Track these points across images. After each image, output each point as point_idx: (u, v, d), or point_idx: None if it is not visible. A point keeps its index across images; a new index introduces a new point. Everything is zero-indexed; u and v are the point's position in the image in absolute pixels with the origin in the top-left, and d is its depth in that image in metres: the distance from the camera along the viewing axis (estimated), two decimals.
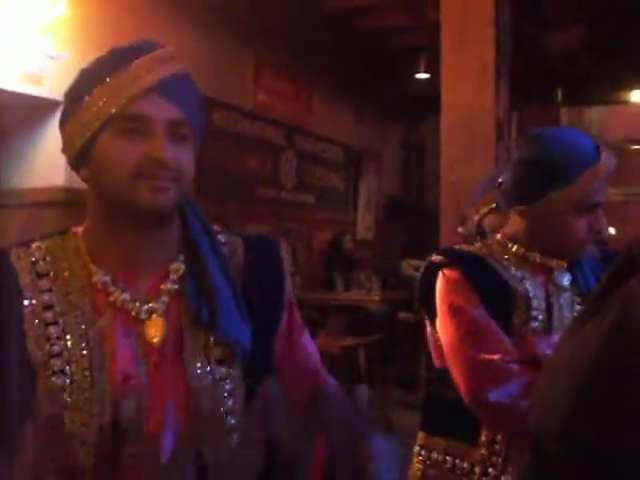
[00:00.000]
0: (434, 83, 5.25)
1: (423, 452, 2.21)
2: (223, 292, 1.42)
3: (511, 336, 1.99)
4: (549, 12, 7.43)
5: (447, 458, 2.15)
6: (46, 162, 5.45)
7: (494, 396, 1.92)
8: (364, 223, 11.20)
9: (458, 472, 2.12)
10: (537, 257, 2.08)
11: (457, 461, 2.12)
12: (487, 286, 2.03)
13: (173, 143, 1.35)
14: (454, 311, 2.03)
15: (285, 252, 1.74)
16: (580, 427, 0.98)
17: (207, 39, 7.14)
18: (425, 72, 9.22)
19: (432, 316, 2.12)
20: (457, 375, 2.00)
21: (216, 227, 1.56)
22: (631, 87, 10.39)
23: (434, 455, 2.18)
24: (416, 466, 2.23)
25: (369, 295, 8.71)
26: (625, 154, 10.96)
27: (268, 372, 1.47)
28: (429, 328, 2.21)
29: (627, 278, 1.00)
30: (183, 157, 1.37)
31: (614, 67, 8.65)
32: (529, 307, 2.03)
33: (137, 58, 1.35)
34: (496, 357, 1.93)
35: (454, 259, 2.09)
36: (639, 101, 10.57)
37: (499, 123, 4.66)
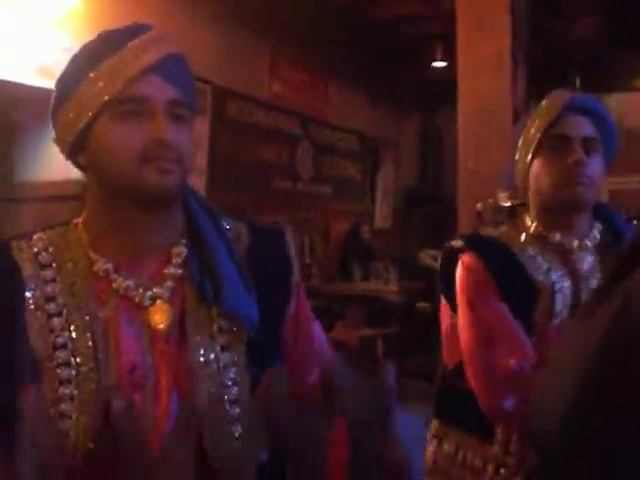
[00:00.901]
0: (451, 71, 5.22)
1: (435, 441, 2.16)
2: (228, 270, 1.40)
3: (532, 333, 1.90)
4: None
5: (459, 451, 2.09)
6: (60, 155, 5.44)
7: (509, 404, 1.85)
8: (382, 213, 11.17)
9: (469, 469, 2.05)
10: (557, 236, 1.99)
11: (469, 456, 2.06)
12: (508, 278, 1.94)
13: (173, 124, 1.33)
14: (472, 306, 1.95)
15: (291, 238, 1.75)
16: (588, 412, 0.97)
17: (222, 30, 7.12)
18: (442, 60, 9.18)
19: (454, 304, 2.03)
20: (471, 377, 1.94)
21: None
22: None
23: (446, 446, 2.13)
24: (429, 455, 2.18)
25: (387, 285, 8.69)
26: None
27: (274, 359, 1.46)
28: (448, 317, 2.15)
29: (633, 268, 0.98)
30: (183, 138, 1.35)
31: (632, 53, 8.58)
32: (553, 303, 1.92)
33: (130, 40, 1.33)
34: (512, 363, 1.85)
35: (475, 245, 2.01)
36: None
37: (516, 111, 4.62)
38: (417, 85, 10.82)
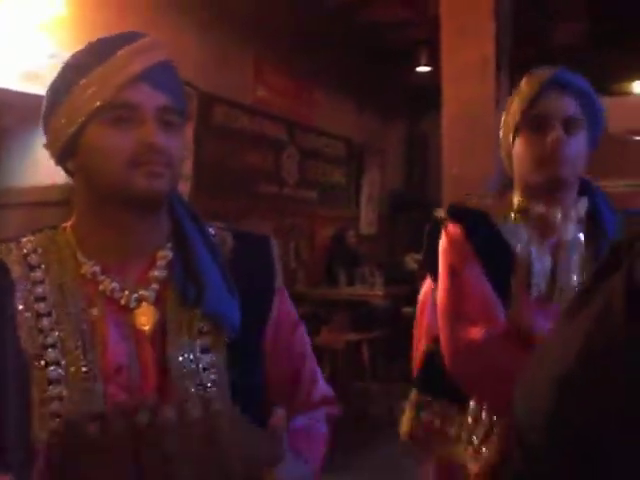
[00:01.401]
0: (436, 77, 5.24)
1: (413, 410, 2.20)
2: (211, 273, 1.43)
3: (508, 302, 1.93)
4: (550, 4, 7.42)
5: (436, 420, 2.13)
6: (47, 160, 5.32)
7: (475, 372, 1.92)
8: (367, 218, 11.19)
9: (445, 437, 2.10)
10: (540, 207, 1.98)
11: (445, 425, 2.10)
12: (487, 245, 1.97)
13: (163, 130, 1.36)
14: (452, 272, 1.99)
15: (275, 245, 1.77)
16: (570, 412, 0.98)
17: (207, 35, 7.13)
18: (426, 65, 9.21)
19: (437, 274, 2.07)
20: (442, 342, 1.99)
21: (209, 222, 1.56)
22: (633, 78, 10.36)
23: (423, 415, 2.17)
24: (405, 422, 2.22)
25: (372, 290, 8.70)
26: (626, 145, 10.94)
27: (254, 363, 1.49)
28: (428, 293, 2.18)
29: (614, 270, 1.00)
30: (173, 143, 1.38)
31: (615, 58, 8.64)
32: (530, 272, 1.93)
33: (121, 48, 1.36)
34: (479, 333, 1.89)
35: (457, 215, 2.04)
36: None
37: (500, 115, 4.64)
38: (402, 90, 10.86)
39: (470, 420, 2.00)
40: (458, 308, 1.96)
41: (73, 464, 1.18)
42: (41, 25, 5.18)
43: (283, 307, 1.58)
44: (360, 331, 7.57)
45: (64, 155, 1.41)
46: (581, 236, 1.97)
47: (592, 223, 2.01)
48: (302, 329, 1.64)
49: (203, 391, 1.38)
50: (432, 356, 2.16)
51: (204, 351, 1.40)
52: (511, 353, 1.82)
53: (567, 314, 1.09)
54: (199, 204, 1.54)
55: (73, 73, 1.37)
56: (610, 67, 9.13)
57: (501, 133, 2.07)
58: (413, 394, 2.22)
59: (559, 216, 1.97)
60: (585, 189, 2.06)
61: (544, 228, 1.99)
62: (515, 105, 2.00)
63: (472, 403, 1.99)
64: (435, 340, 2.12)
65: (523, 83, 2.00)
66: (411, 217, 11.33)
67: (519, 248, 1.96)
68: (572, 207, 2.00)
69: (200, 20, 6.95)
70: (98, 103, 1.33)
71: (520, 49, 5.84)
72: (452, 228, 2.01)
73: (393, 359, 7.71)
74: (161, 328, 1.40)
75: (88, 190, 1.41)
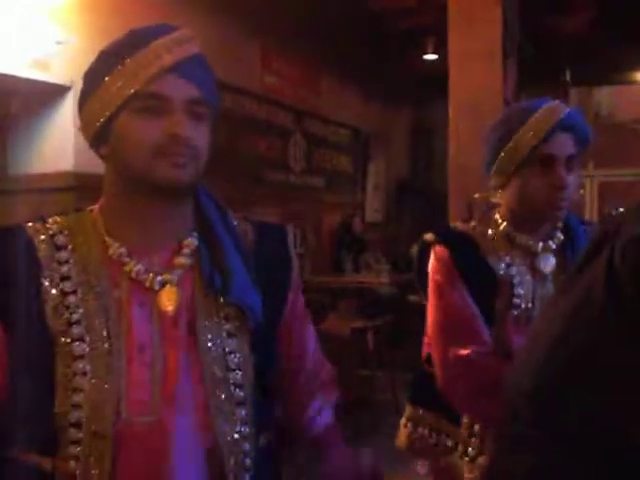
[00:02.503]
0: (442, 64, 5.23)
1: (409, 425, 2.30)
2: (236, 262, 1.47)
3: (492, 322, 2.03)
4: None
5: (432, 434, 2.23)
6: (54, 147, 5.45)
7: (464, 388, 2.02)
8: (373, 205, 11.20)
9: (442, 449, 2.20)
10: (523, 239, 2.11)
11: (442, 437, 2.20)
12: (471, 268, 2.08)
13: (191, 121, 1.39)
14: (439, 293, 2.09)
15: (291, 238, 1.83)
16: (553, 388, 1.04)
17: (214, 22, 7.12)
18: (433, 53, 9.20)
19: (426, 292, 2.16)
20: (434, 359, 2.10)
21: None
22: None
23: (420, 429, 2.27)
24: (402, 439, 2.33)
25: (378, 277, 8.71)
26: (635, 134, 10.92)
27: (273, 350, 1.55)
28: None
29: (594, 259, 1.05)
30: (200, 135, 1.42)
31: (623, 47, 8.61)
32: (512, 293, 2.06)
33: (154, 40, 1.39)
34: (466, 351, 2.00)
35: (444, 238, 2.14)
36: None
37: (507, 105, 4.65)
38: (409, 78, 10.84)
39: (464, 432, 2.13)
40: (446, 326, 2.08)
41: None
42: (48, 12, 5.18)
43: (297, 297, 1.63)
44: (366, 318, 7.58)
45: (97, 141, 1.44)
46: (551, 267, 2.12)
47: (568, 246, 2.15)
48: (309, 316, 1.70)
49: (229, 374, 1.43)
50: (425, 371, 2.25)
51: (230, 335, 1.45)
52: (496, 369, 1.91)
53: (557, 295, 1.13)
54: (213, 192, 1.56)
55: (108, 61, 1.40)
56: (618, 56, 9.11)
57: (500, 161, 2.10)
58: (408, 408, 2.34)
59: (540, 246, 2.11)
60: None
61: (525, 256, 2.12)
62: (525, 140, 2.04)
63: (465, 417, 2.13)
64: (427, 357, 2.21)
65: (534, 120, 2.04)
66: (417, 204, 11.34)
67: (502, 271, 2.08)
68: (551, 237, 2.13)
69: (208, 7, 6.94)
70: (130, 92, 1.36)
71: (527, 38, 5.83)
72: (439, 250, 2.11)
73: (398, 346, 7.72)
74: (185, 311, 1.44)
75: (116, 176, 1.45)
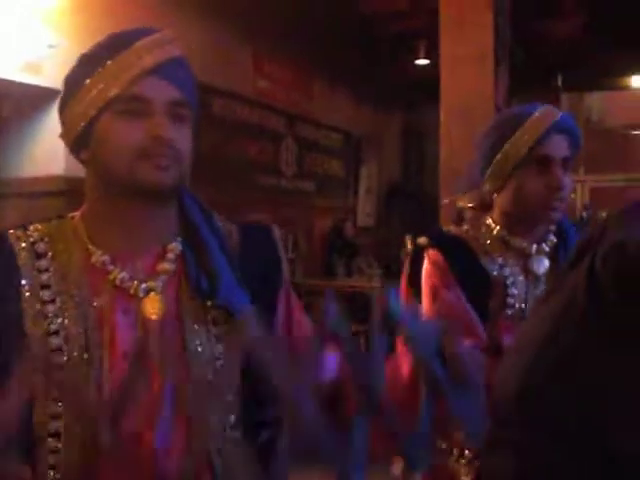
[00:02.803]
0: (434, 69, 5.24)
1: None
2: (222, 265, 1.45)
3: (486, 321, 2.05)
4: None
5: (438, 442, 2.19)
6: (45, 151, 5.44)
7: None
8: (364, 210, 11.20)
9: (438, 452, 2.17)
10: (517, 241, 2.12)
11: (437, 441, 2.16)
12: (465, 270, 2.09)
13: (173, 123, 1.38)
14: (434, 293, 2.10)
15: (278, 236, 1.81)
16: (537, 389, 1.05)
17: (206, 26, 7.12)
18: (425, 58, 9.21)
19: (420, 296, 2.16)
20: None
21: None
22: (632, 72, 10.36)
23: None
24: None
25: (370, 282, 8.71)
26: (625, 139, 10.95)
27: None
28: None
29: (581, 260, 1.06)
30: (182, 137, 1.40)
31: (614, 52, 8.63)
32: (506, 294, 2.08)
33: (135, 42, 1.38)
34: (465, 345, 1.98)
35: (437, 242, 2.15)
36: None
37: (498, 109, 4.66)
38: (401, 82, 10.85)
39: (461, 435, 2.09)
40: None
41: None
42: (40, 15, 5.17)
43: (290, 299, 1.61)
44: (357, 322, 7.58)
45: (77, 146, 1.43)
46: (544, 268, 2.13)
47: (559, 248, 2.16)
48: (306, 317, 1.66)
49: (218, 378, 1.41)
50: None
51: (218, 340, 1.43)
52: (492, 367, 1.91)
53: (543, 298, 1.15)
54: (196, 195, 1.55)
55: (88, 65, 1.39)
56: (609, 62, 9.14)
57: (494, 165, 2.12)
58: None
59: (534, 248, 2.12)
60: None
61: (519, 257, 2.14)
62: (521, 142, 2.06)
63: None
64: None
65: (530, 122, 2.07)
66: (408, 208, 11.35)
67: (496, 272, 2.10)
68: (545, 239, 2.15)
69: (200, 11, 6.94)
70: (111, 95, 1.35)
71: (519, 44, 5.85)
72: (433, 254, 2.12)
73: (390, 350, 7.71)
74: (170, 317, 1.42)
75: (98, 181, 1.43)
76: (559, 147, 2.06)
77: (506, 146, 2.07)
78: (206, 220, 1.52)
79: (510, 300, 2.08)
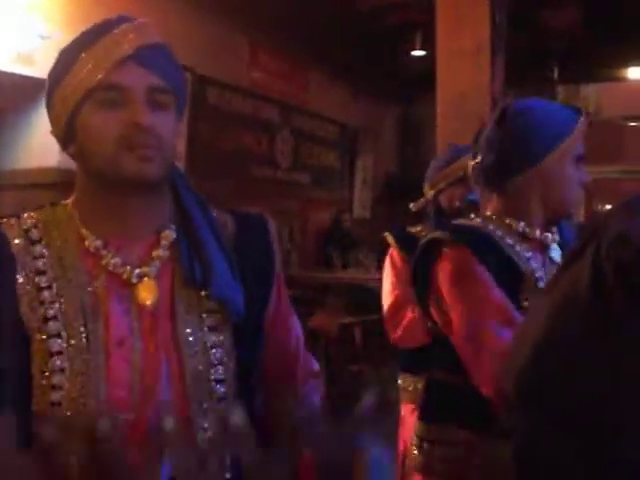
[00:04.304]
0: (430, 60, 5.23)
1: (424, 444, 2.15)
2: (216, 256, 1.44)
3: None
4: None
5: (451, 450, 2.07)
6: (38, 143, 5.42)
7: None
8: (360, 202, 11.19)
9: (468, 464, 2.03)
10: (537, 232, 2.03)
11: (460, 452, 2.04)
12: (498, 266, 1.94)
13: (153, 110, 1.36)
14: (467, 293, 1.93)
15: (273, 227, 1.80)
16: (537, 374, 1.07)
17: (202, 17, 7.10)
18: (421, 49, 9.18)
19: (424, 296, 2.05)
20: (473, 369, 1.89)
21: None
22: (628, 64, 10.35)
23: (438, 449, 2.11)
24: (413, 456, 2.18)
25: (367, 274, 8.71)
26: (622, 131, 10.95)
27: (258, 344, 1.51)
28: (414, 309, 2.18)
29: (581, 254, 1.07)
30: (164, 123, 1.38)
31: (610, 44, 8.62)
32: (537, 288, 1.95)
33: (108, 32, 1.36)
34: (505, 337, 1.81)
35: (461, 237, 1.99)
36: (636, 78, 10.53)
37: (495, 101, 4.64)
38: (397, 73, 10.83)
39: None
40: (480, 328, 1.88)
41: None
42: (32, 6, 5.15)
43: (281, 290, 1.59)
44: (354, 314, 7.58)
45: (65, 140, 1.42)
46: (559, 256, 2.08)
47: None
48: (295, 318, 1.66)
49: (211, 369, 1.40)
50: (433, 386, 2.19)
51: (211, 329, 1.42)
52: None
53: (545, 290, 1.15)
54: (191, 186, 1.54)
55: (66, 60, 1.38)
56: (605, 53, 9.12)
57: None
58: (419, 427, 2.19)
59: (550, 239, 2.05)
60: None
61: (538, 249, 2.05)
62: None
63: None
64: (434, 371, 2.15)
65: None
66: (405, 200, 11.32)
67: (523, 265, 1.98)
68: (556, 231, 2.10)
69: (195, 1, 6.91)
70: (88, 86, 1.34)
71: (515, 36, 5.83)
72: (456, 251, 1.96)
73: (386, 342, 7.72)
74: (164, 304, 1.42)
75: (85, 173, 1.43)
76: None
77: (550, 156, 2.03)
78: (201, 209, 1.50)
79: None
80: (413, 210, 3.11)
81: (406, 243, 3.00)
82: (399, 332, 3.00)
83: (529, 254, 2.01)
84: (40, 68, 5.12)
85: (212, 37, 7.26)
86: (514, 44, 5.43)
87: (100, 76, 1.33)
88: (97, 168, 1.37)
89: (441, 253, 1.98)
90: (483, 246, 1.98)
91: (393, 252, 3.06)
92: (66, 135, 1.40)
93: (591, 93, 11.32)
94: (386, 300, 3.12)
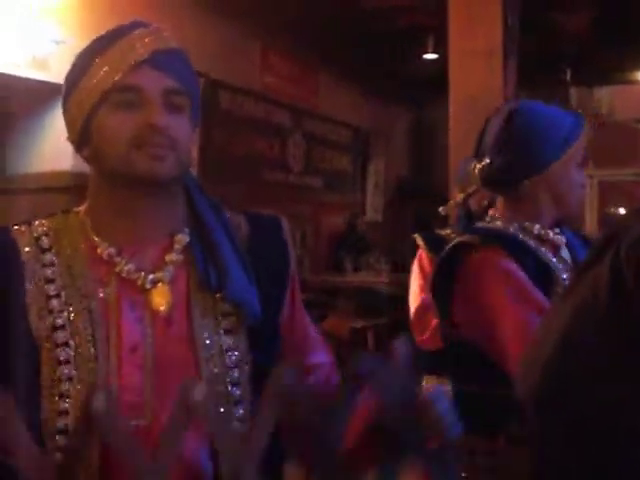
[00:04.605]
0: (442, 63, 5.23)
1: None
2: (230, 258, 1.44)
3: None
4: None
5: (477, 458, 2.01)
6: (52, 147, 5.44)
7: None
8: (373, 205, 11.18)
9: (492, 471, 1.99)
10: (550, 234, 2.04)
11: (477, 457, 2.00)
12: (532, 267, 1.93)
13: (169, 112, 1.37)
14: (518, 299, 1.88)
15: (287, 227, 1.81)
16: (557, 381, 1.05)
17: (214, 22, 7.11)
18: (433, 53, 9.18)
19: (445, 301, 2.02)
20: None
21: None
22: None
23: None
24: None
25: (378, 277, 8.70)
26: (635, 134, 10.90)
27: (274, 346, 1.50)
28: (436, 315, 2.15)
29: (600, 258, 1.06)
30: (179, 126, 1.38)
31: (623, 47, 8.59)
32: (560, 287, 1.94)
33: (125, 35, 1.38)
34: None
35: (492, 239, 1.98)
36: None
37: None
38: (409, 77, 10.82)
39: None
40: (532, 327, 1.76)
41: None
42: (47, 11, 5.17)
43: (295, 292, 1.59)
44: (365, 318, 7.57)
45: (80, 143, 1.42)
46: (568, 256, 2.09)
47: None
48: (308, 318, 1.65)
49: (227, 372, 1.40)
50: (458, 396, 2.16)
51: (227, 332, 1.42)
52: None
53: (561, 297, 1.14)
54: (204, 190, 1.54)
55: (82, 63, 1.39)
56: (618, 56, 9.10)
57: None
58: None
59: (561, 240, 2.07)
60: None
61: (551, 251, 2.05)
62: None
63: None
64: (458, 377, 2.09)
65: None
66: (417, 204, 11.32)
67: (554, 267, 1.99)
68: (555, 232, 2.09)
69: (207, 7, 6.93)
70: (105, 88, 1.35)
71: (528, 38, 5.82)
72: (487, 254, 1.94)
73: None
74: (178, 309, 1.41)
75: (99, 175, 1.43)
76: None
77: (558, 161, 2.04)
78: (214, 212, 1.50)
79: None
80: (442, 214, 3.07)
81: (435, 245, 2.95)
82: (426, 335, 2.95)
83: (551, 256, 2.01)
84: (54, 73, 5.15)
85: (224, 41, 7.28)
86: (526, 47, 5.43)
87: (116, 78, 1.34)
88: (111, 168, 1.37)
89: (470, 256, 1.95)
90: (516, 247, 1.97)
91: (422, 254, 3.03)
92: (81, 138, 1.41)
93: (604, 96, 11.29)
94: (413, 302, 3.10)
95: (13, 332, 1.34)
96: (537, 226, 2.03)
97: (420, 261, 3.05)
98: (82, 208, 1.49)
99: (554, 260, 2.01)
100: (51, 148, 5.47)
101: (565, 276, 1.98)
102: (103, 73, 1.35)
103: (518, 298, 1.88)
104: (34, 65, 5.10)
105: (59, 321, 1.36)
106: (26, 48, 5.05)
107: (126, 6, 5.54)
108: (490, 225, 2.11)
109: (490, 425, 1.94)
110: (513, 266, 1.91)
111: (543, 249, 2.02)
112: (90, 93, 1.36)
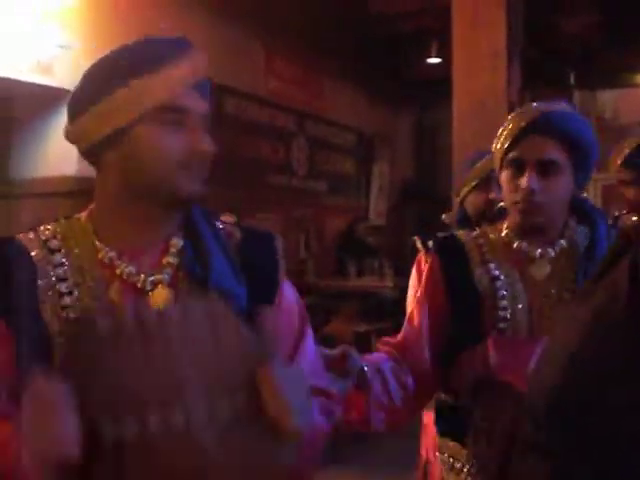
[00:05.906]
0: (446, 67, 5.23)
1: (439, 455, 2.25)
2: (217, 256, 1.50)
3: (481, 337, 1.96)
4: None
5: (450, 459, 2.17)
6: (57, 151, 5.44)
7: None
8: (377, 209, 11.16)
9: (455, 471, 2.15)
10: (522, 245, 2.05)
11: (452, 460, 2.15)
12: (458, 281, 2.06)
13: (205, 133, 1.48)
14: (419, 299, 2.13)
15: (280, 244, 1.86)
16: (569, 391, 1.04)
17: (218, 26, 7.11)
18: (437, 57, 9.19)
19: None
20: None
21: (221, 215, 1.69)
22: None
23: (444, 458, 2.20)
24: (437, 469, 2.30)
25: (382, 281, 8.69)
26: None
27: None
28: None
29: (615, 265, 1.06)
30: (211, 146, 1.50)
31: (627, 50, 8.60)
32: (497, 307, 2.00)
33: (174, 57, 1.45)
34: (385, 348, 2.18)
35: (438, 247, 2.17)
36: None
37: (511, 107, 4.64)
38: (413, 80, 10.83)
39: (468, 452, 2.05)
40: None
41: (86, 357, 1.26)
42: (52, 16, 5.18)
43: (287, 298, 1.62)
44: (369, 322, 7.56)
45: (99, 148, 1.46)
46: (546, 273, 2.05)
47: (588, 253, 2.04)
48: (310, 337, 1.65)
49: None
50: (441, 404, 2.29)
51: None
52: (481, 381, 1.96)
53: (575, 302, 1.13)
54: (208, 194, 1.57)
55: (121, 70, 1.43)
56: (622, 59, 9.09)
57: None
58: (442, 442, 2.26)
59: (538, 254, 2.04)
60: (587, 217, 2.11)
61: (521, 262, 2.05)
62: (498, 145, 2.03)
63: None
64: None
65: (508, 122, 2.03)
66: (421, 208, 11.31)
67: (486, 285, 2.03)
68: (550, 246, 2.05)
69: (211, 10, 6.93)
70: (152, 104, 1.41)
71: (532, 42, 5.82)
72: (431, 259, 2.15)
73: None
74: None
75: (120, 184, 1.47)
76: (534, 148, 1.96)
77: (494, 149, 2.07)
78: (205, 219, 1.57)
79: (501, 313, 1.99)
80: (446, 222, 3.13)
81: None
82: None
83: (502, 270, 2.04)
84: (59, 78, 5.15)
85: (229, 46, 7.28)
86: (530, 50, 5.43)
87: (165, 97, 1.42)
88: (147, 183, 1.44)
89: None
90: (451, 259, 2.10)
91: (421, 258, 3.07)
92: (104, 144, 1.44)
93: (608, 99, 11.28)
94: (411, 306, 3.15)
95: (29, 329, 1.39)
96: (510, 235, 2.10)
97: (419, 264, 3.09)
98: (83, 214, 1.55)
99: (490, 280, 2.03)
100: (55, 153, 5.47)
101: (502, 296, 2.01)
102: (152, 89, 1.41)
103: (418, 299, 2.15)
104: (38, 70, 5.10)
105: (73, 316, 1.41)
106: (30, 53, 5.06)
107: (130, 11, 5.55)
108: (459, 233, 2.20)
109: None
110: (434, 279, 2.11)
111: (490, 267, 2.06)
112: (134, 105, 1.41)
